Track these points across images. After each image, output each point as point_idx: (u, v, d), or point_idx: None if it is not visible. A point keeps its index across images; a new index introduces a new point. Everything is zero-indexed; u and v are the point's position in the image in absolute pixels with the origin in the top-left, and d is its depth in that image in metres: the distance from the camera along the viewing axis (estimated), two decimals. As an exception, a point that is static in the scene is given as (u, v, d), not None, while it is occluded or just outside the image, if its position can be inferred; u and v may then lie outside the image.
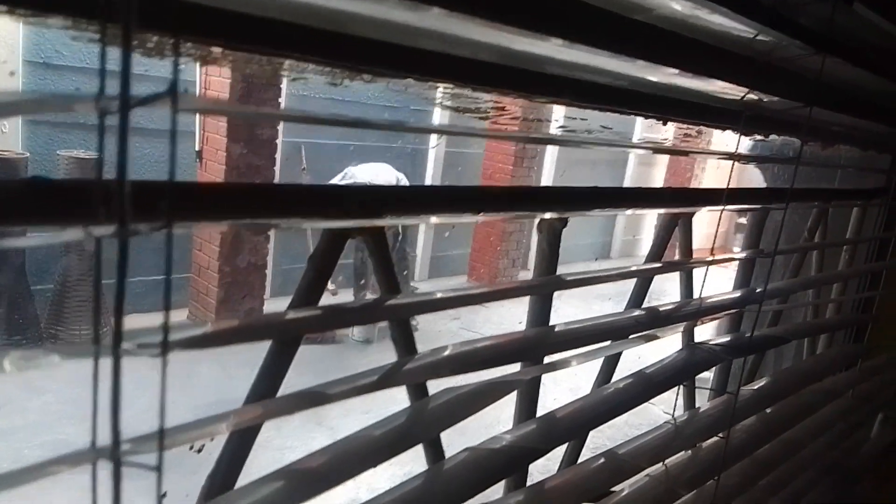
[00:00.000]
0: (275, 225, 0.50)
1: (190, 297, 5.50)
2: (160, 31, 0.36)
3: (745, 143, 1.25)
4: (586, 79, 0.81)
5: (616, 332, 0.90)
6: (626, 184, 9.39)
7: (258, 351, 0.59)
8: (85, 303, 4.79)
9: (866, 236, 1.66)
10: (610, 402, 0.86)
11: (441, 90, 0.72)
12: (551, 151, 8.47)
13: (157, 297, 4.55)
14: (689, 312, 0.96)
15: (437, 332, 5.49)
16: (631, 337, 0.93)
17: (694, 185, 10.18)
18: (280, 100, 5.43)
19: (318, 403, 0.52)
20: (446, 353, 0.68)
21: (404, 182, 5.74)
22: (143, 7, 0.32)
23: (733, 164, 0.94)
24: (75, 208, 0.36)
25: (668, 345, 1.06)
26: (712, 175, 10.39)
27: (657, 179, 10.36)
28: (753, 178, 2.15)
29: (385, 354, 0.65)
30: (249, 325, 0.46)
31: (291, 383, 0.61)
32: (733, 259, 1.09)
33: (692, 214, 1.05)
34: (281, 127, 5.61)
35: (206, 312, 5.33)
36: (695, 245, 1.06)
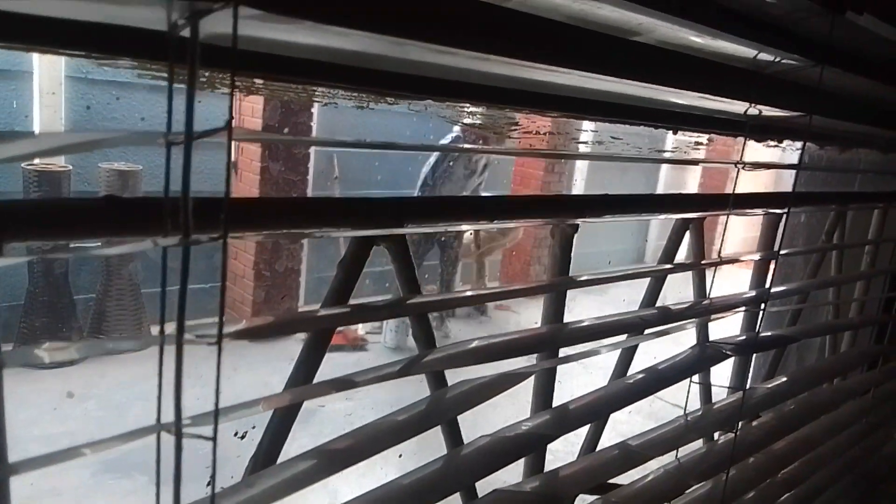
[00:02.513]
0: (311, 234, 0.57)
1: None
2: (220, 71, 0.43)
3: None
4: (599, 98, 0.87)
5: (626, 329, 0.96)
6: (660, 189, 9.34)
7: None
8: (125, 312, 4.95)
9: (878, 239, 1.69)
10: (620, 394, 0.92)
11: (457, 108, 0.79)
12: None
13: (194, 304, 4.69)
14: (697, 311, 1.01)
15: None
16: (646, 332, 0.99)
17: (730, 188, 10.05)
18: (312, 111, 5.55)
19: (347, 388, 0.59)
20: (467, 346, 0.75)
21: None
22: (205, 52, 0.39)
23: (738, 171, 0.99)
24: (145, 222, 0.43)
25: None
26: (749, 179, 10.26)
27: (691, 184, 10.27)
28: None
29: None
30: (289, 319, 0.53)
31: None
32: (737, 261, 1.13)
33: (703, 219, 1.10)
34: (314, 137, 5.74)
35: (241, 319, 5.47)
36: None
